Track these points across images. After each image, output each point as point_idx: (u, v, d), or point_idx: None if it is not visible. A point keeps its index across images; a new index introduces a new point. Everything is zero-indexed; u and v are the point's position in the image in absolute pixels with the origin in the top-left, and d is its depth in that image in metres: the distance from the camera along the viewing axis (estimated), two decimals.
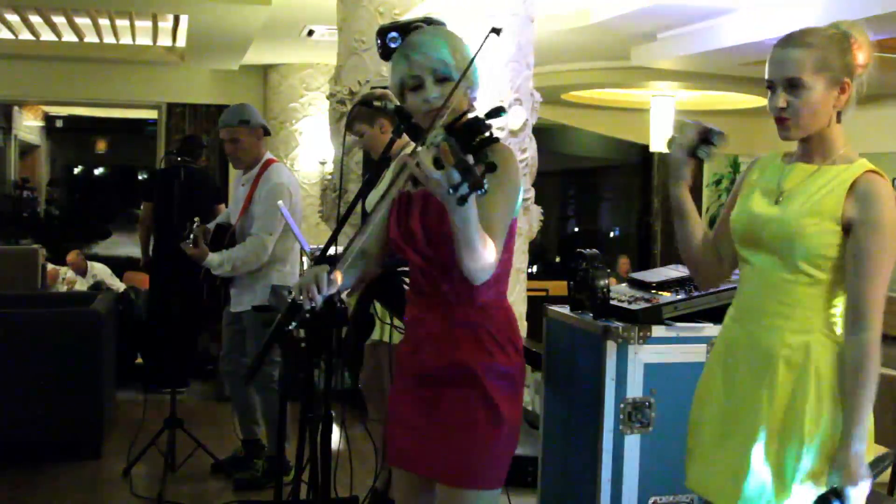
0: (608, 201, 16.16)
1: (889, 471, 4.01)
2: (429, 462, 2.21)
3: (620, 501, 2.98)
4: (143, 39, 8.08)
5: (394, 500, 3.63)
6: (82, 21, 7.31)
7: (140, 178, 16.85)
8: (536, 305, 3.81)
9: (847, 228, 2.00)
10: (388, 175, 3.49)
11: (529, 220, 4.45)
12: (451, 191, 1.73)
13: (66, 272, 8.00)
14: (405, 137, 2.79)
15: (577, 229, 16.18)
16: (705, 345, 3.02)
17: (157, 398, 5.43)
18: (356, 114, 3.63)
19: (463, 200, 1.75)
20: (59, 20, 7.31)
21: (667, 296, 3.12)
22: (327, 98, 4.75)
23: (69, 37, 7.81)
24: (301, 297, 2.09)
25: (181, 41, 7.88)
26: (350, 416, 3.99)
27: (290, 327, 2.20)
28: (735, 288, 2.91)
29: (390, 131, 3.51)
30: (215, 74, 9.03)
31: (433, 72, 2.13)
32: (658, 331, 2.99)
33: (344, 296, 3.09)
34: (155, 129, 9.92)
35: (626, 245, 13.92)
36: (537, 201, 4.53)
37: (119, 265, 9.53)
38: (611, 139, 11.73)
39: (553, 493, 3.39)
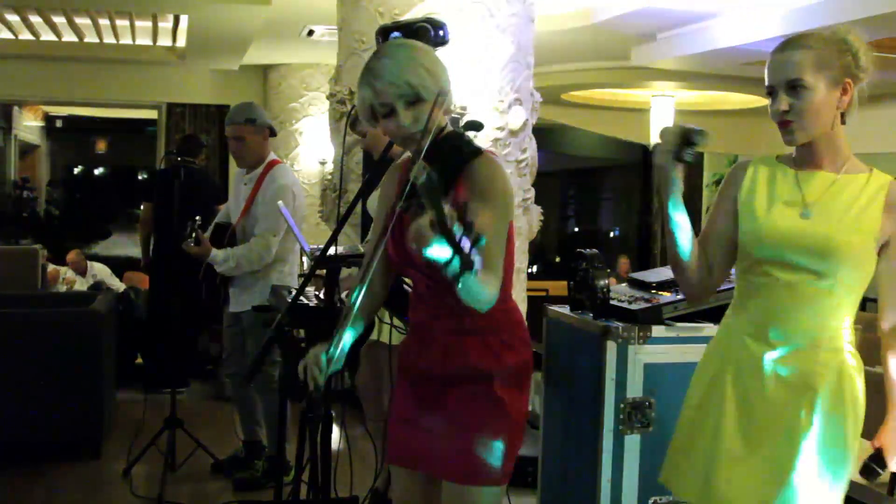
0: (608, 201, 16.15)
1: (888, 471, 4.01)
2: (434, 459, 2.21)
3: (620, 501, 2.98)
4: (143, 39, 8.07)
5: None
6: (82, 21, 7.31)
7: (140, 178, 16.84)
8: (536, 305, 3.80)
9: (884, 243, 2.02)
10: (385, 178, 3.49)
11: (529, 220, 4.45)
12: (441, 265, 1.67)
13: (66, 272, 8.00)
14: None
15: (577, 229, 16.17)
16: (705, 345, 3.02)
17: (157, 398, 5.43)
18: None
19: (455, 280, 1.69)
20: (59, 20, 7.30)
21: (667, 296, 3.12)
22: (327, 98, 4.74)
23: (69, 37, 7.81)
24: (305, 380, 2.16)
25: (181, 41, 7.87)
26: (350, 416, 3.99)
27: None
28: (733, 288, 2.89)
29: None
30: (215, 74, 9.03)
31: (401, 97, 2.09)
32: (658, 331, 2.99)
33: (343, 295, 3.10)
34: (155, 129, 9.92)
35: (626, 245, 13.92)
36: (537, 201, 4.53)
37: (119, 265, 9.53)
38: (611, 139, 11.72)
39: (553, 493, 3.39)
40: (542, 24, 4.85)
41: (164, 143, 9.23)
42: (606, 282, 3.09)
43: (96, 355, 4.87)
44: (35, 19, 7.30)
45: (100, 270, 8.28)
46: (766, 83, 2.06)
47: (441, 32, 2.38)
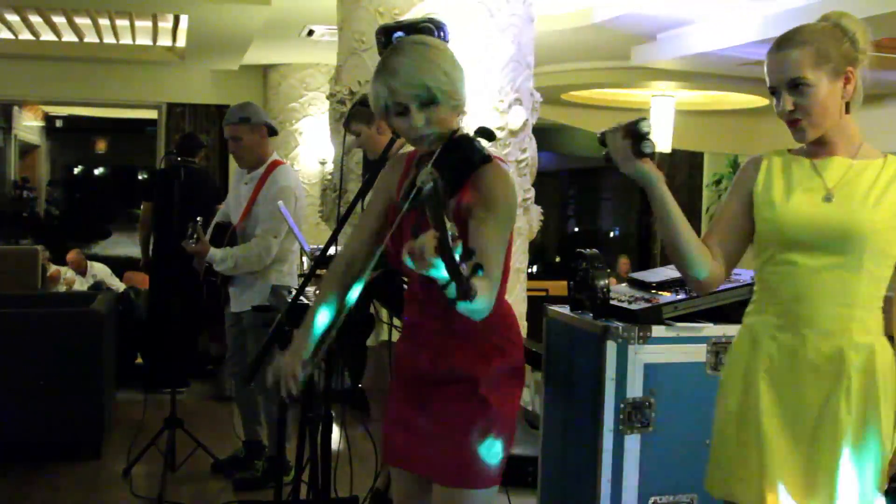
0: (608, 201, 16.16)
1: None
2: (424, 461, 2.21)
3: (620, 501, 2.98)
4: (143, 39, 8.07)
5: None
6: (82, 21, 7.31)
7: (140, 178, 16.84)
8: (536, 305, 3.80)
9: None
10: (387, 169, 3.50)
11: (529, 220, 4.45)
12: (441, 287, 1.66)
13: (67, 272, 8.00)
14: None
15: (577, 229, 16.18)
16: (705, 345, 3.02)
17: (157, 398, 5.43)
18: (354, 113, 3.63)
19: (452, 304, 1.69)
20: (59, 20, 7.30)
21: (667, 296, 3.12)
22: (327, 98, 4.75)
23: (69, 37, 7.81)
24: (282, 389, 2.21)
25: (181, 41, 7.87)
26: (350, 416, 3.99)
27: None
28: (735, 288, 2.90)
29: (388, 131, 3.52)
30: (215, 74, 9.03)
31: (416, 98, 2.07)
32: (658, 331, 2.99)
33: None
34: (155, 129, 9.92)
35: (626, 245, 13.92)
36: (537, 201, 4.53)
37: (119, 265, 9.53)
38: None
39: (553, 493, 3.39)
40: (542, 24, 4.85)
41: (164, 143, 9.23)
42: (606, 282, 3.09)
43: (96, 355, 4.87)
44: (35, 19, 7.30)
45: (100, 270, 8.28)
46: (768, 84, 2.05)
47: (442, 33, 2.38)
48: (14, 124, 13.41)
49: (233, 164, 5.10)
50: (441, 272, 1.62)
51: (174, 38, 7.98)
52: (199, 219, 4.23)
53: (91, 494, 4.33)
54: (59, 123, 15.34)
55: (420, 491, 2.28)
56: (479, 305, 1.88)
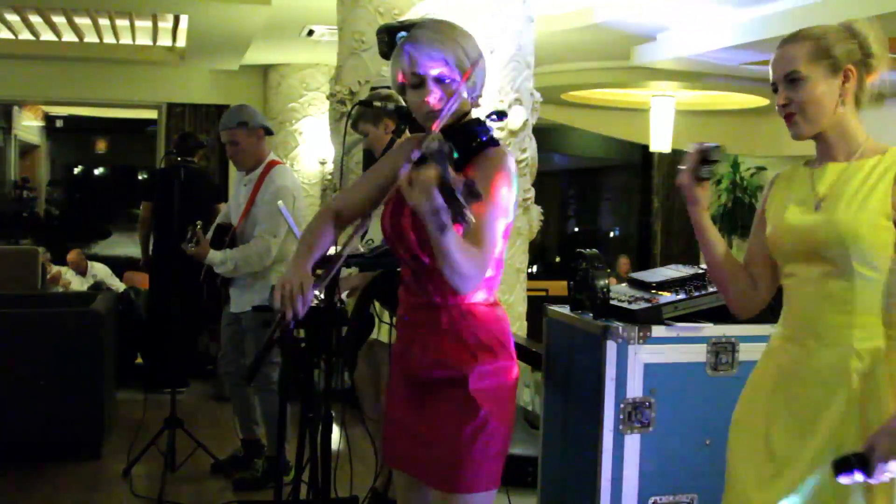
0: (608, 201, 16.16)
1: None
2: (419, 464, 2.19)
3: (620, 501, 2.98)
4: (143, 39, 8.07)
5: (394, 500, 3.64)
6: (82, 21, 7.30)
7: (140, 178, 16.84)
8: (536, 305, 3.80)
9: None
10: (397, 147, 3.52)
11: (529, 220, 4.45)
12: (432, 215, 1.71)
13: (67, 272, 8.01)
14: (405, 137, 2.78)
15: (577, 229, 16.17)
16: (705, 345, 3.02)
17: (157, 398, 5.43)
18: (361, 113, 3.63)
19: (442, 228, 1.73)
20: (59, 20, 7.30)
21: (667, 296, 3.12)
22: (327, 98, 4.75)
23: (69, 37, 7.81)
24: (281, 305, 2.03)
25: (181, 41, 7.87)
26: (350, 416, 3.99)
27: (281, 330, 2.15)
28: None
29: (393, 131, 3.52)
30: (215, 74, 9.03)
31: (433, 70, 2.09)
32: (658, 331, 2.99)
33: (344, 296, 3.10)
34: (155, 129, 9.92)
35: (626, 245, 13.91)
36: (537, 201, 4.53)
37: (119, 265, 9.54)
38: (611, 139, 11.72)
39: (553, 493, 3.39)
40: (542, 24, 4.85)
41: (164, 143, 9.23)
42: (606, 282, 3.09)
43: (96, 355, 4.87)
44: (35, 19, 7.30)
45: (100, 270, 8.28)
46: (770, 80, 2.07)
47: None
48: (14, 124, 13.41)
49: (233, 165, 5.10)
50: (435, 202, 1.67)
51: (174, 38, 7.98)
52: (198, 222, 4.23)
53: (91, 494, 4.33)
54: (59, 123, 15.33)
55: (420, 492, 2.27)
56: (466, 268, 1.89)
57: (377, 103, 3.48)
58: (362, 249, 3.02)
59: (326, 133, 5.12)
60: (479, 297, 2.14)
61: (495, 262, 2.14)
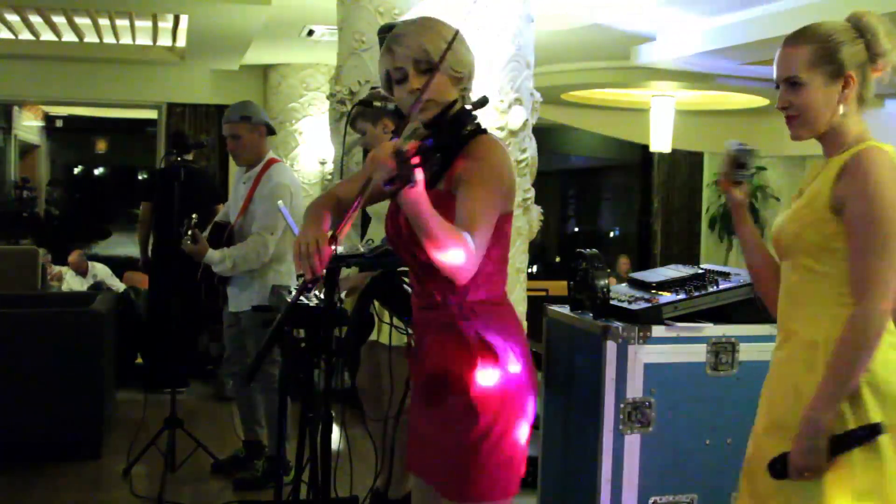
0: (608, 201, 16.14)
1: None
2: (430, 472, 2.17)
3: (620, 501, 2.98)
4: (143, 39, 8.07)
5: (394, 500, 3.64)
6: (82, 21, 7.30)
7: (140, 178, 16.83)
8: (536, 305, 3.81)
9: (840, 211, 1.94)
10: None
11: (529, 220, 4.45)
12: (384, 182, 1.75)
13: (67, 272, 8.01)
14: None
15: (577, 229, 16.16)
16: (705, 345, 3.02)
17: (157, 398, 5.43)
18: (360, 112, 3.63)
19: (392, 193, 1.76)
20: (59, 20, 7.30)
21: (667, 296, 3.12)
22: (327, 98, 4.75)
23: (69, 37, 7.81)
24: (302, 269, 1.98)
25: (181, 41, 7.87)
26: (350, 416, 3.99)
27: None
28: (735, 288, 2.92)
29: (392, 131, 3.52)
30: (215, 74, 9.02)
31: (416, 63, 2.08)
32: (658, 331, 2.99)
33: (343, 295, 3.10)
34: (155, 129, 9.91)
35: (626, 245, 13.90)
36: (537, 201, 4.53)
37: (119, 265, 9.54)
38: (611, 139, 11.72)
39: (553, 493, 3.39)
40: (542, 24, 4.85)
41: (164, 143, 9.22)
42: (606, 282, 3.09)
43: (96, 355, 4.87)
44: (35, 19, 7.30)
45: (100, 271, 8.28)
46: (774, 76, 2.07)
47: None
48: (14, 124, 13.40)
49: (233, 164, 5.11)
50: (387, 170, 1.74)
51: (174, 38, 7.98)
52: (193, 216, 4.22)
53: (91, 494, 4.33)
54: (59, 123, 15.32)
55: (435, 501, 2.20)
56: (451, 256, 1.86)
57: (377, 103, 3.48)
58: (362, 249, 3.01)
59: (326, 133, 5.11)
60: (480, 295, 2.10)
61: (497, 259, 2.10)
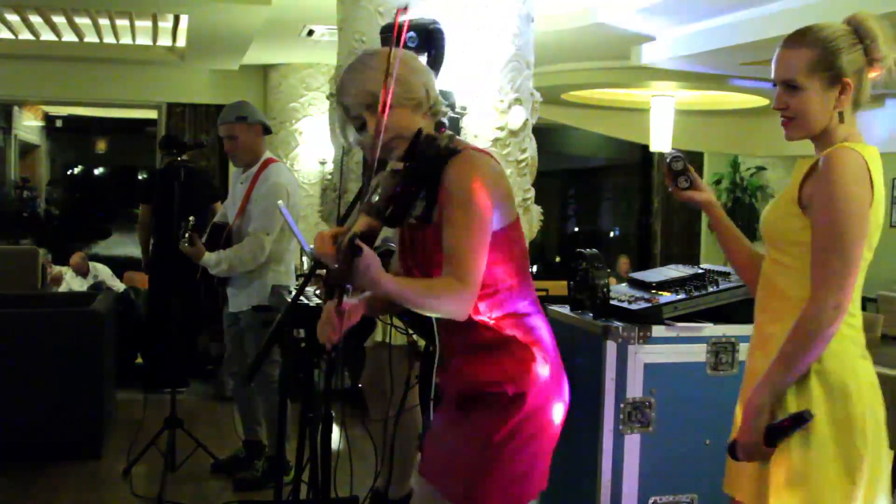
0: (608, 201, 16.14)
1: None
2: (438, 477, 2.16)
3: (620, 501, 2.98)
4: (143, 39, 8.07)
5: (394, 500, 3.64)
6: (82, 21, 7.30)
7: (140, 178, 16.82)
8: None
9: (806, 206, 1.99)
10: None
11: (529, 220, 4.44)
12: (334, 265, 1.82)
13: (67, 272, 8.00)
14: None
15: (577, 229, 16.16)
16: (705, 345, 3.02)
17: (157, 398, 5.43)
18: None
19: (344, 274, 1.78)
20: (59, 20, 7.30)
21: (667, 296, 3.12)
22: (327, 98, 4.75)
23: (69, 37, 7.80)
24: (324, 342, 2.11)
25: (181, 41, 7.87)
26: (350, 416, 3.99)
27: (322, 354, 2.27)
28: (735, 287, 2.93)
29: None
30: (215, 74, 9.03)
31: (368, 107, 2.04)
32: (658, 331, 2.99)
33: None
34: (155, 129, 9.92)
35: (626, 245, 13.90)
36: (537, 201, 4.53)
37: (119, 265, 9.53)
38: (611, 139, 11.72)
39: (553, 494, 3.39)
40: (542, 24, 4.85)
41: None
42: (606, 282, 3.09)
43: (96, 355, 4.87)
44: (35, 19, 7.30)
45: (101, 271, 8.28)
46: (772, 76, 2.08)
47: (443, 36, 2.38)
48: (14, 124, 13.40)
49: (231, 161, 5.10)
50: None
51: (174, 38, 7.97)
52: (191, 219, 4.22)
53: (91, 494, 4.33)
54: (59, 123, 15.32)
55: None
56: (440, 310, 1.93)
57: None
58: None
59: (326, 133, 5.12)
60: (497, 313, 2.07)
61: (514, 271, 2.07)
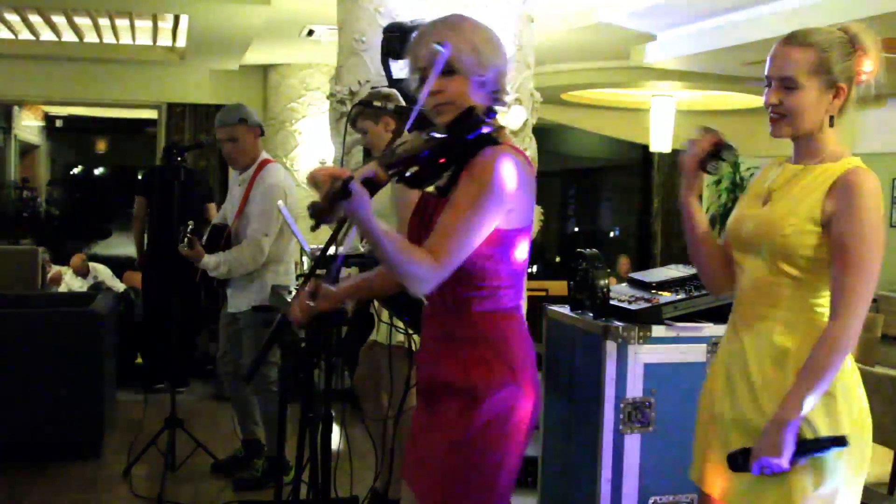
0: (608, 201, 16.14)
1: (889, 470, 4.01)
2: (415, 479, 2.12)
3: (620, 501, 2.98)
4: (143, 39, 8.07)
5: (394, 501, 3.64)
6: (82, 21, 7.30)
7: (139, 177, 16.83)
8: (536, 305, 3.80)
9: (827, 225, 1.99)
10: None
11: None
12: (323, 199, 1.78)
13: (66, 272, 8.00)
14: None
15: (577, 229, 16.16)
16: (705, 345, 3.02)
17: (157, 398, 5.43)
18: (360, 111, 3.63)
19: (331, 208, 1.78)
20: (59, 20, 7.30)
21: (667, 296, 3.12)
22: (327, 98, 4.74)
23: (69, 37, 7.81)
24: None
25: (181, 41, 7.87)
26: (350, 416, 3.99)
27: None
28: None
29: (393, 129, 3.52)
30: (215, 74, 9.03)
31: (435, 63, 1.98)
32: (658, 331, 2.99)
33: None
34: (155, 129, 9.92)
35: (626, 245, 13.91)
36: (537, 201, 4.52)
37: (119, 265, 9.52)
38: (611, 139, 11.72)
39: (553, 493, 3.39)
40: (541, 24, 4.85)
41: (163, 143, 9.22)
42: (606, 282, 3.09)
43: (96, 355, 4.87)
44: (35, 19, 7.30)
45: (101, 272, 8.27)
46: (765, 72, 2.08)
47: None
48: (14, 124, 13.41)
49: (229, 163, 5.10)
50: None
51: (174, 38, 7.98)
52: (189, 223, 4.23)
53: (91, 494, 4.33)
54: (59, 123, 15.32)
55: None
56: (403, 272, 1.87)
57: (377, 103, 3.48)
58: (362, 249, 3.02)
59: (326, 133, 5.11)
60: (485, 306, 2.03)
61: (507, 275, 2.04)
